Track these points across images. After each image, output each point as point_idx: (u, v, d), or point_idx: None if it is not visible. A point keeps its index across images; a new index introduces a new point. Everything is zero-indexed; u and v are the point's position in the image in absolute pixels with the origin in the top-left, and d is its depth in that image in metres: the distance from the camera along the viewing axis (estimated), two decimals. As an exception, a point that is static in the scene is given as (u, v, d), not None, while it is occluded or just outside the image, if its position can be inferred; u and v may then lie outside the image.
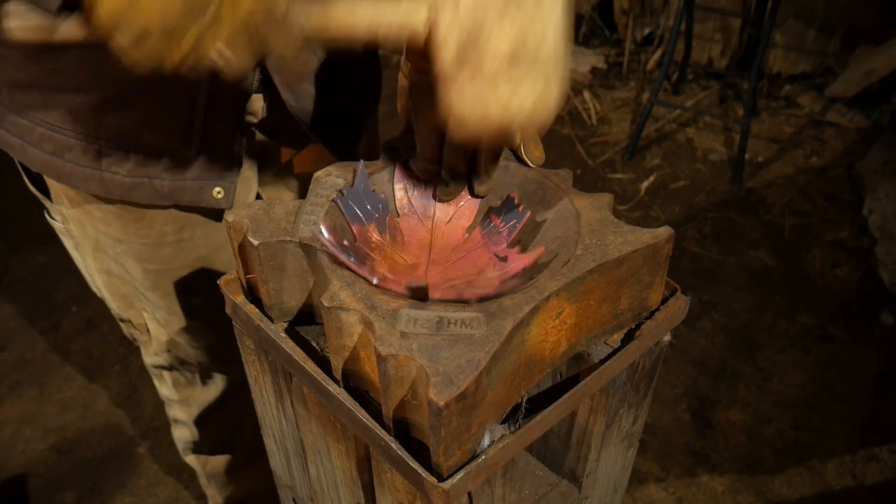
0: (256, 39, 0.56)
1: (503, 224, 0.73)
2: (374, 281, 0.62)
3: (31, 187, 1.01)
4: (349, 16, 0.57)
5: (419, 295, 0.61)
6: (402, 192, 0.74)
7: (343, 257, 0.63)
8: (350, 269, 0.62)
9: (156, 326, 1.11)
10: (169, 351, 1.14)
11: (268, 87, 0.92)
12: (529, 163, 0.74)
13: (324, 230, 0.65)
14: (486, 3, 0.54)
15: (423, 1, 0.56)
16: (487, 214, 0.74)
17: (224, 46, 0.56)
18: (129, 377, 2.05)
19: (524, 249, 0.70)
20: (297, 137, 1.01)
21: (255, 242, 0.64)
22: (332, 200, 0.69)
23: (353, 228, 0.70)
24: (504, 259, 0.69)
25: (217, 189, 0.93)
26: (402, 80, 0.76)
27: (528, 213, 0.72)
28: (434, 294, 0.61)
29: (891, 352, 2.07)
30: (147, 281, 1.03)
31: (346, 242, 0.67)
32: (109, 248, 1.01)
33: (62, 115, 0.87)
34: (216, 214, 1.00)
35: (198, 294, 1.06)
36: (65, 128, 0.88)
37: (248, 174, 1.04)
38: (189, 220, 0.99)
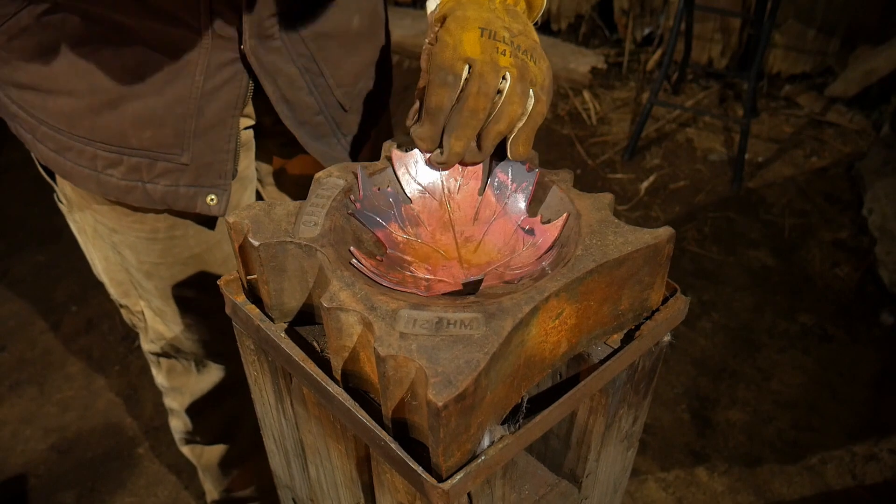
0: None
1: (513, 183, 0.73)
2: (425, 294, 0.62)
3: (40, 169, 1.03)
4: None
5: (472, 289, 0.63)
6: (405, 174, 0.74)
7: (387, 284, 0.63)
8: (400, 291, 0.62)
9: (151, 315, 1.12)
10: (164, 339, 1.16)
11: (259, 93, 0.93)
12: (510, 156, 0.73)
13: (357, 257, 0.65)
14: None
15: None
16: (493, 171, 0.74)
17: None
18: (129, 377, 2.05)
19: (545, 219, 0.71)
20: (294, 140, 1.02)
21: (256, 243, 0.64)
22: (350, 214, 0.70)
23: (379, 235, 0.70)
24: (531, 232, 0.70)
25: (210, 196, 0.93)
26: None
27: (537, 173, 0.73)
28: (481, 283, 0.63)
29: (891, 352, 2.07)
30: (141, 271, 1.04)
31: (379, 257, 0.67)
32: (106, 237, 1.03)
33: (59, 117, 0.89)
34: (209, 216, 1.01)
35: (191, 289, 1.07)
36: (62, 129, 0.89)
37: (246, 173, 1.04)
38: (181, 220, 1.00)
